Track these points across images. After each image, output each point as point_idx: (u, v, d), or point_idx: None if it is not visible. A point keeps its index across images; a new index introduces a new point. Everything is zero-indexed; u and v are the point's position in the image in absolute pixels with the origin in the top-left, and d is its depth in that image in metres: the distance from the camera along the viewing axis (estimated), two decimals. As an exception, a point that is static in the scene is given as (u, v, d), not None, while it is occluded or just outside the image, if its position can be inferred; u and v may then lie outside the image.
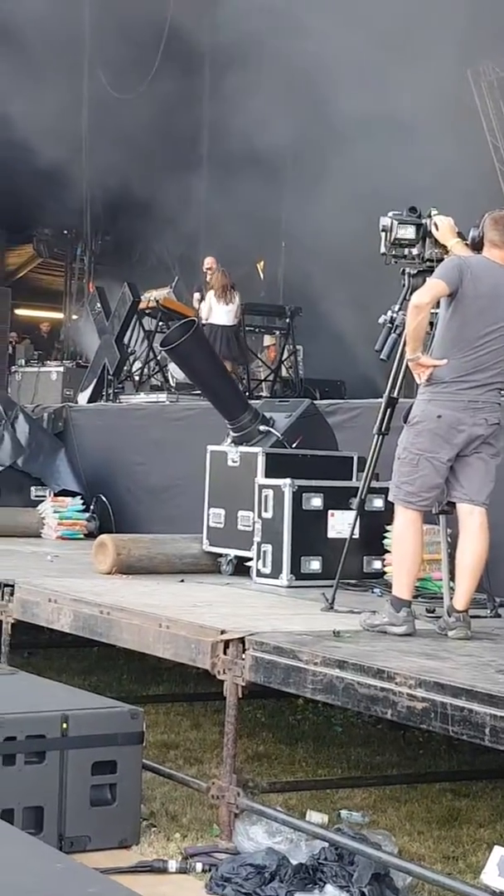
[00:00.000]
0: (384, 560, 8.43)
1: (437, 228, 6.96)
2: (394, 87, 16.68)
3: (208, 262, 16.71)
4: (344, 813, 6.51)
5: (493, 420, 6.45)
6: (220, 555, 9.18)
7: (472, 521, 6.44)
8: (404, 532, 6.50)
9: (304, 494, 8.57)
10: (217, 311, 15.76)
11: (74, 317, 23.62)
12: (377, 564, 8.60)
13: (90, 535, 11.29)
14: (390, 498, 6.63)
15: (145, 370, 15.85)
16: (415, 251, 7.07)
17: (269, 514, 8.66)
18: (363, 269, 12.61)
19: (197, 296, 16.45)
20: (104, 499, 12.02)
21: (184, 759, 7.62)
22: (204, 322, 15.49)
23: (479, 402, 6.41)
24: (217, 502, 9.21)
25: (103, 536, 9.31)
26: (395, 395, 7.13)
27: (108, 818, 5.86)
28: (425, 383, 6.49)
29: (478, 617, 6.82)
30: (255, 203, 20.78)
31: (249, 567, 8.83)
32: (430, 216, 7.03)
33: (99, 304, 15.77)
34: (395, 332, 7.05)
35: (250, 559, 8.81)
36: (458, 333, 6.43)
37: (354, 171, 17.11)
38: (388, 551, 8.06)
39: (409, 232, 7.05)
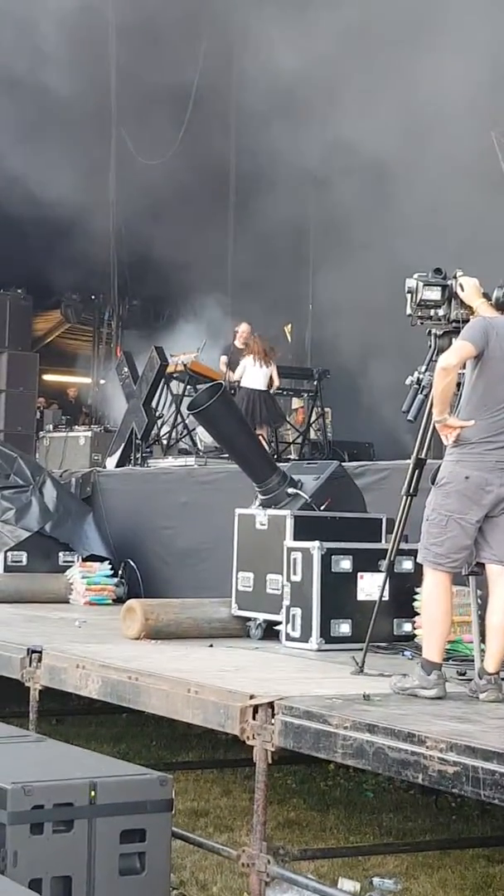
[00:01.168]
0: (414, 622, 8.39)
1: (462, 289, 6.99)
2: (419, 151, 16.80)
3: (243, 328, 16.76)
4: (376, 880, 6.45)
5: (521, 480, 6.44)
6: (249, 619, 9.17)
7: (502, 581, 6.42)
8: (433, 594, 6.48)
9: (333, 557, 8.56)
10: (254, 375, 15.79)
11: (102, 381, 23.71)
12: (407, 627, 8.57)
13: (118, 601, 11.29)
14: (419, 560, 6.62)
15: (173, 434, 15.89)
16: (440, 312, 7.10)
17: (298, 578, 8.65)
18: (389, 330, 12.63)
19: (223, 359, 16.50)
20: (132, 563, 12.02)
21: (214, 826, 7.58)
22: (238, 385, 15.54)
23: (506, 463, 6.42)
24: (246, 566, 9.21)
25: (131, 601, 9.31)
26: (423, 456, 7.13)
27: (137, 887, 5.80)
28: (453, 444, 6.50)
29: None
30: (283, 266, 20.90)
31: (279, 631, 8.81)
32: (455, 277, 7.06)
33: (126, 369, 15.83)
34: (421, 392, 7.06)
35: (279, 623, 8.79)
36: (485, 394, 6.44)
37: (382, 235, 17.19)
38: (418, 613, 8.02)
39: (434, 293, 7.08)
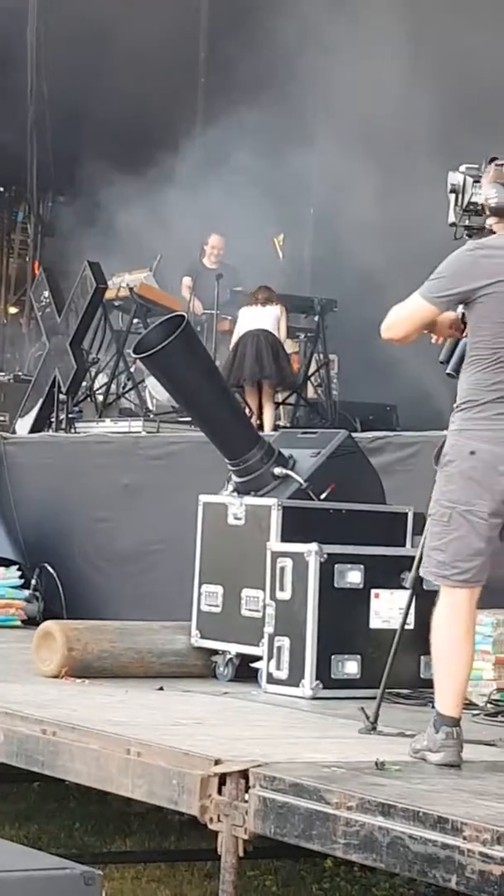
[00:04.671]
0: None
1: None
2: None
3: (214, 241, 16.72)
4: None
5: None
6: (216, 652, 9.21)
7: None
8: (444, 619, 6.47)
9: (336, 566, 8.60)
10: (254, 315, 15.57)
11: (13, 310, 23.68)
12: (440, 668, 8.61)
13: (30, 622, 11.32)
14: (421, 572, 6.64)
15: (113, 387, 15.89)
16: (498, 220, 7.10)
17: (286, 595, 8.68)
18: (425, 245, 12.57)
19: (187, 281, 16.50)
20: (51, 570, 12.03)
21: (160, 945, 7.63)
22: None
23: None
24: (212, 577, 9.24)
25: (49, 624, 9.34)
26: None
27: None
28: (457, 407, 6.50)
29: None
30: (274, 150, 20.79)
31: (257, 670, 8.84)
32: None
33: (47, 293, 15.82)
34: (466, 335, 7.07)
35: (259, 658, 8.83)
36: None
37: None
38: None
39: (489, 193, 7.07)
